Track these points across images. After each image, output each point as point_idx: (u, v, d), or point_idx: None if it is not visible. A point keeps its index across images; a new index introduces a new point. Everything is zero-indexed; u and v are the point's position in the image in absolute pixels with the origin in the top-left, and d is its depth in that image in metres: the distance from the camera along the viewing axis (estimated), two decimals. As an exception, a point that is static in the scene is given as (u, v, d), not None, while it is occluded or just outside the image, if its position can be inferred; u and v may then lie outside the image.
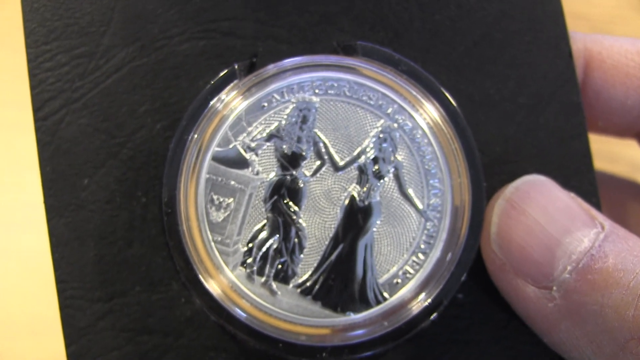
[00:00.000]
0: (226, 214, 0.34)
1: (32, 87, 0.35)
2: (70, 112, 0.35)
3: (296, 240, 0.34)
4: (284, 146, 0.34)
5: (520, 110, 0.37)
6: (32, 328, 0.61)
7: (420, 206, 0.34)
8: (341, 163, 0.34)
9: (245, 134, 0.34)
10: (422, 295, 0.34)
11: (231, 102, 0.34)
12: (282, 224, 0.34)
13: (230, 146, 0.34)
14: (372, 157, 0.34)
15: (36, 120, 0.35)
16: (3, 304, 0.63)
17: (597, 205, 0.36)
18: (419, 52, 0.37)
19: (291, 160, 0.34)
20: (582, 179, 0.37)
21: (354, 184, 0.34)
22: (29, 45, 0.35)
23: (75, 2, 0.36)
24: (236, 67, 0.35)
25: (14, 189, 0.65)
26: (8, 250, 0.64)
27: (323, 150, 0.34)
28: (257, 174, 0.34)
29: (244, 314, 0.33)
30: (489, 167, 0.36)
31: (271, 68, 0.34)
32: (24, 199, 0.65)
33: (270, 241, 0.34)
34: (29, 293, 0.62)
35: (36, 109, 0.35)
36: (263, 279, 0.34)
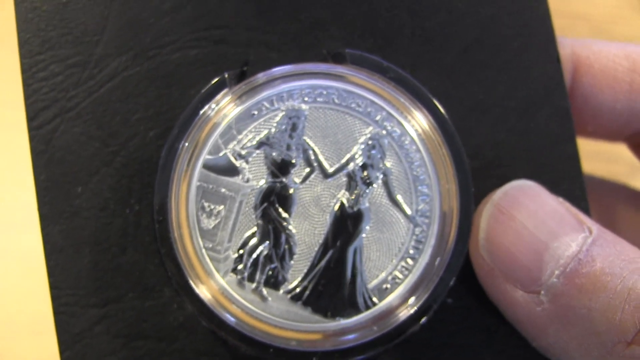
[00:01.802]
0: (217, 221, 0.34)
1: (26, 97, 0.35)
2: (64, 121, 0.36)
3: (286, 246, 0.34)
4: (274, 154, 0.34)
5: (510, 115, 0.37)
6: (32, 328, 0.62)
7: (408, 212, 0.35)
8: (330, 170, 0.35)
9: (235, 142, 0.34)
10: (411, 300, 0.34)
11: (222, 110, 0.35)
12: (273, 230, 0.34)
13: (221, 154, 0.34)
14: (361, 163, 0.35)
15: (30, 129, 0.35)
16: (3, 304, 0.63)
17: (586, 210, 0.36)
18: (409, 59, 0.37)
19: (281, 168, 0.34)
20: (572, 184, 0.37)
21: (343, 191, 0.35)
22: (23, 56, 0.36)
23: (69, 12, 0.36)
24: (226, 75, 0.35)
25: (14, 189, 0.66)
26: (8, 250, 0.64)
27: (312, 157, 0.35)
28: (248, 181, 0.34)
29: (234, 320, 0.34)
30: (480, 171, 0.36)
31: (261, 76, 0.35)
32: (24, 199, 0.65)
33: (261, 248, 0.34)
34: (29, 293, 0.62)
35: (30, 119, 0.35)
36: (254, 285, 0.34)
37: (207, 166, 0.34)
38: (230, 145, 0.34)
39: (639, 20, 0.77)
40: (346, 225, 0.34)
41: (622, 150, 0.49)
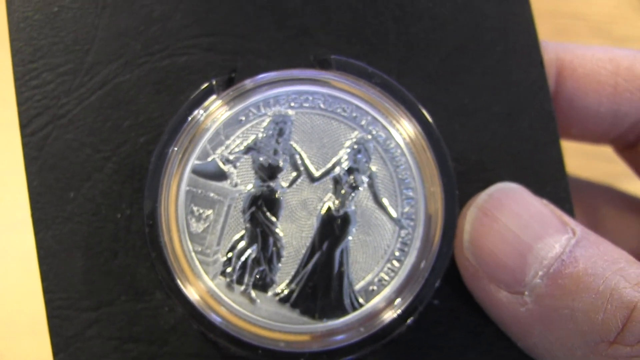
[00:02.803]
0: (206, 225, 0.35)
1: (19, 104, 0.36)
2: (56, 127, 0.36)
3: (274, 249, 0.35)
4: (261, 158, 0.35)
5: (494, 119, 0.37)
6: (32, 328, 0.62)
7: (394, 215, 0.35)
8: (317, 174, 0.35)
9: (223, 147, 0.35)
10: (398, 302, 0.35)
11: (210, 116, 0.35)
12: (261, 234, 0.35)
13: (209, 159, 0.35)
14: (347, 167, 0.35)
15: (23, 136, 0.36)
16: (3, 304, 0.63)
17: (570, 212, 0.37)
18: (394, 64, 0.37)
19: (268, 172, 0.35)
20: (556, 186, 0.37)
21: (329, 194, 0.35)
22: (15, 64, 0.36)
23: (59, 21, 0.37)
24: (214, 82, 0.36)
25: (14, 189, 0.66)
26: (8, 250, 0.64)
27: (299, 161, 0.35)
28: (236, 185, 0.35)
29: (223, 322, 0.34)
30: (465, 175, 0.37)
31: (248, 83, 0.35)
32: (23, 199, 0.65)
33: (249, 251, 0.35)
34: (29, 293, 0.62)
35: (23, 126, 0.36)
36: (242, 288, 0.35)
37: (196, 171, 0.35)
38: (219, 151, 0.35)
39: (639, 21, 0.77)
40: (333, 228, 0.35)
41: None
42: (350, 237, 0.35)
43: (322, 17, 0.37)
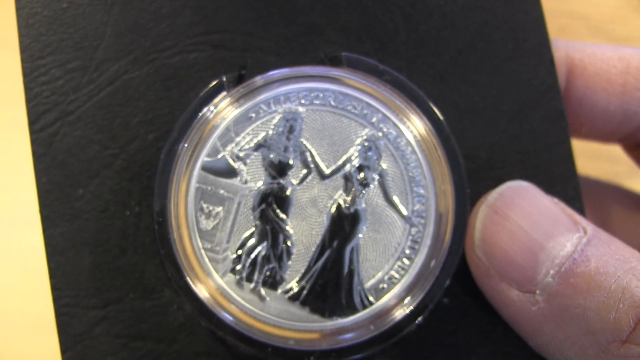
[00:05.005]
0: (215, 222, 0.35)
1: (28, 101, 0.36)
2: (65, 124, 0.36)
3: (284, 247, 0.35)
4: (272, 155, 0.35)
5: (504, 118, 0.37)
6: (31, 328, 0.62)
7: (404, 212, 0.35)
8: (327, 171, 0.35)
9: (233, 144, 0.35)
10: (408, 300, 0.35)
11: (220, 113, 0.35)
12: (270, 231, 0.35)
13: (219, 156, 0.35)
14: (358, 165, 0.35)
15: (32, 132, 0.36)
16: (3, 304, 0.63)
17: (580, 210, 0.37)
18: (404, 62, 0.37)
19: (278, 169, 0.35)
20: (566, 184, 0.37)
21: (340, 192, 0.35)
22: (24, 60, 0.36)
23: (69, 18, 0.37)
24: (224, 79, 0.36)
25: (14, 189, 0.66)
26: (8, 250, 0.64)
27: (309, 159, 0.35)
28: (246, 182, 0.35)
29: (233, 319, 0.34)
30: (475, 173, 0.37)
31: (258, 79, 0.35)
32: (24, 199, 0.65)
33: (259, 248, 0.35)
34: (28, 293, 0.63)
35: (32, 122, 0.36)
36: (252, 285, 0.34)
37: (205, 168, 0.35)
38: (229, 148, 0.35)
39: (639, 20, 0.77)
40: (343, 225, 0.35)
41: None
42: (360, 235, 0.35)
43: (332, 14, 0.37)
